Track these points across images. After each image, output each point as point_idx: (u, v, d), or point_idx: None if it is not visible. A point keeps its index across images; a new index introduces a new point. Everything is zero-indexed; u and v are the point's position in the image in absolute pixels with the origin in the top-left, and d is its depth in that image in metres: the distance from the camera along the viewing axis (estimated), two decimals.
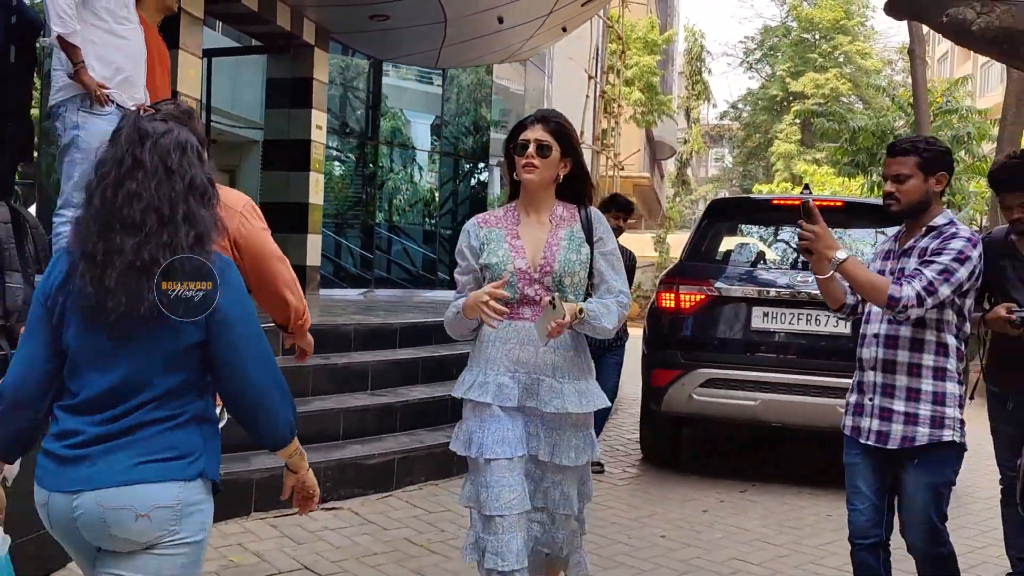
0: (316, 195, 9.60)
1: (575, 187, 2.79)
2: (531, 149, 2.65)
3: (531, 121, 2.73)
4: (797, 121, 26.65)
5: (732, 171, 41.73)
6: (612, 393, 5.67)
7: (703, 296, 5.45)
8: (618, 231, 5.39)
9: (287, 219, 8.84)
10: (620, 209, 5.81)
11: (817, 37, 32.76)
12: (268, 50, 9.86)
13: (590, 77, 17.59)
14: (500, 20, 9.58)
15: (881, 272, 2.91)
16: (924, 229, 2.89)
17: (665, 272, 6.30)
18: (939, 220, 2.88)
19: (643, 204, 29.85)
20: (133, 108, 3.22)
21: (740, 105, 35.76)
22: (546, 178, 2.70)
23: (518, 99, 15.46)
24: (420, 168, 13.52)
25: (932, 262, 2.73)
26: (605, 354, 5.37)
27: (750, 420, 5.50)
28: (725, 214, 6.47)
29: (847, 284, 2.83)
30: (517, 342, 2.67)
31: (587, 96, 17.45)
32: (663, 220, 27.88)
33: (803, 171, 22.55)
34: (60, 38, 3.93)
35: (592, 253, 2.74)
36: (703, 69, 24.52)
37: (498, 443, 2.61)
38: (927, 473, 2.82)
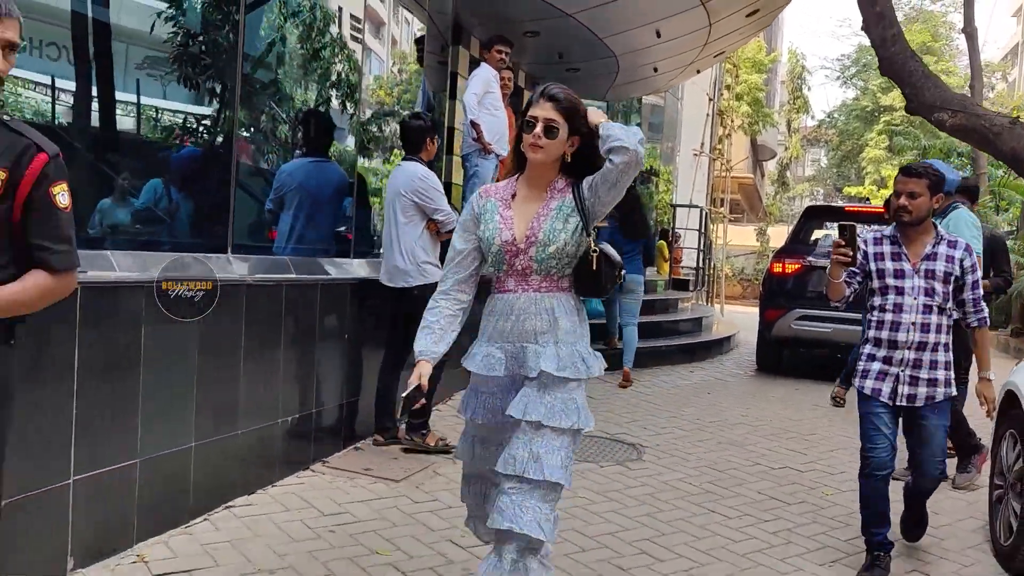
0: None
1: (582, 165, 2.65)
2: (538, 129, 2.56)
3: (540, 98, 2.60)
4: (884, 133, 29.71)
5: (827, 171, 44.32)
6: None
7: (799, 265, 9.11)
8: None
9: None
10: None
11: None
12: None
13: (710, 99, 21.07)
14: (658, 34, 12.88)
15: (899, 271, 3.64)
16: (935, 237, 3.67)
17: (776, 251, 10.07)
18: (940, 230, 3.71)
19: (746, 200, 33.13)
20: (503, 155, 7.11)
21: (836, 115, 38.53)
22: (553, 156, 2.61)
23: (659, 111, 19.06)
24: None
25: (976, 285, 3.66)
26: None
27: (825, 340, 9.12)
28: (815, 215, 10.25)
29: (845, 282, 3.71)
30: (502, 314, 2.68)
31: (707, 114, 20.94)
32: (764, 215, 31.13)
33: (888, 175, 25.51)
34: (472, 121, 7.83)
35: (585, 216, 2.61)
36: (803, 86, 27.66)
37: (485, 410, 2.74)
38: (941, 418, 3.65)
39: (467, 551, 3.66)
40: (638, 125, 17.71)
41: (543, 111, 2.56)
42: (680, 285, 14.01)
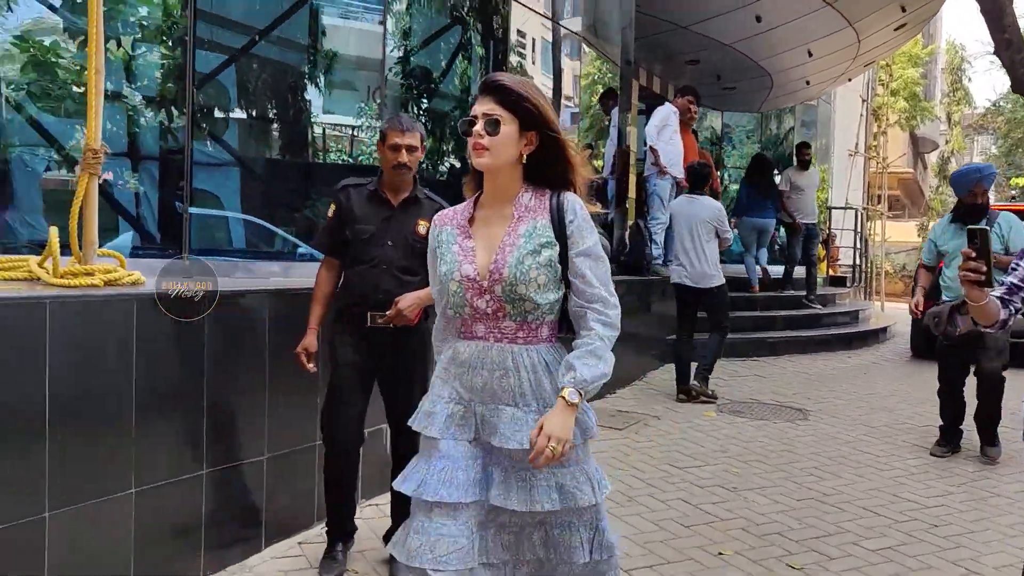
0: None
1: (550, 169, 2.14)
2: (478, 126, 2.07)
3: (480, 93, 2.12)
4: None
5: (997, 160, 42.83)
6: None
7: None
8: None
9: None
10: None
11: None
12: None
13: (863, 100, 21.65)
14: (810, 54, 13.90)
15: None
16: None
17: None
18: None
19: (907, 195, 32.93)
20: (679, 177, 8.62)
21: (1001, 103, 37.43)
22: (501, 160, 2.08)
23: (811, 110, 19.83)
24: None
25: None
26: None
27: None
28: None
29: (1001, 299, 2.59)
30: (471, 366, 2.14)
31: (860, 115, 21.53)
32: (925, 209, 30.93)
33: None
34: (650, 147, 9.34)
35: (564, 254, 2.09)
36: (963, 78, 27.53)
37: (443, 484, 2.07)
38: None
39: (683, 471, 5.18)
40: (791, 130, 18.66)
41: (482, 105, 2.08)
42: (837, 282, 14.93)
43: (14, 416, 2.62)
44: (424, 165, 7.00)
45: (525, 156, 2.13)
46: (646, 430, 6.20)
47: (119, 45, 5.17)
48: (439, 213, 2.28)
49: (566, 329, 2.22)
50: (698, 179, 7.44)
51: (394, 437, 3.62)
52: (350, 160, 7.64)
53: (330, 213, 3.52)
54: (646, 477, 5.04)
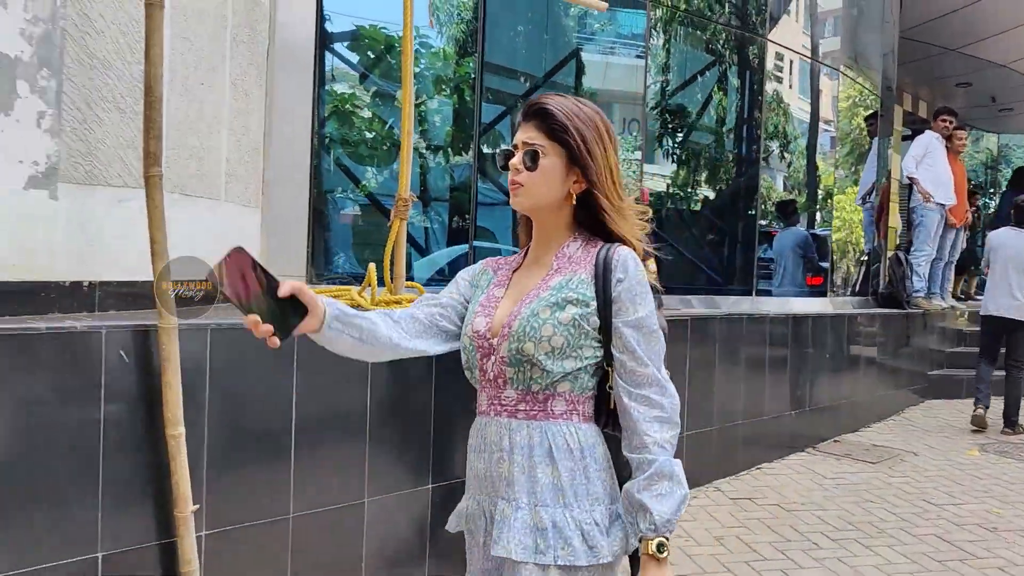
0: None
1: (603, 215, 1.71)
2: (515, 159, 1.70)
3: (521, 118, 1.75)
4: None
5: None
6: None
7: None
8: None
9: None
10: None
11: None
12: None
13: None
14: None
15: None
16: None
17: None
18: None
19: None
20: (948, 203, 8.28)
21: None
22: (539, 199, 1.71)
23: None
24: None
25: None
26: None
27: None
28: None
29: None
30: (475, 448, 1.77)
31: None
32: None
33: None
34: (910, 177, 9.05)
35: (606, 322, 1.65)
36: None
37: None
38: None
39: (939, 508, 5.11)
40: None
41: (523, 133, 1.72)
42: None
43: (346, 418, 3.26)
44: (678, 200, 7.36)
45: (575, 196, 1.72)
46: (902, 465, 6.12)
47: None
48: (492, 258, 1.93)
49: (612, 424, 1.73)
50: (1021, 212, 7.53)
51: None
52: None
53: None
54: (899, 511, 5.04)
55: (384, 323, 1.71)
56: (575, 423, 1.68)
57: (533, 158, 1.68)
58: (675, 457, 1.63)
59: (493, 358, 1.69)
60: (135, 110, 2.83)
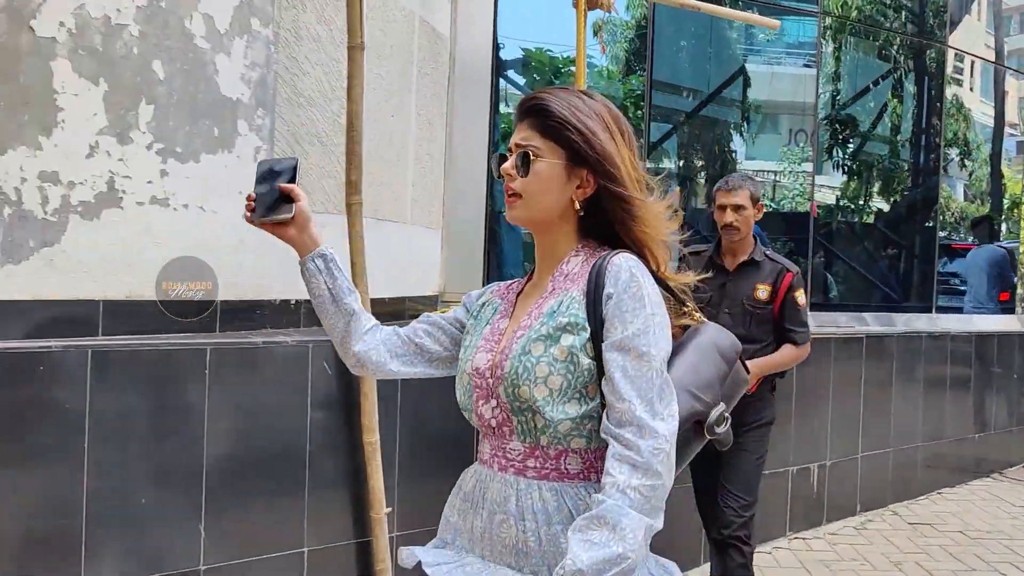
0: None
1: (617, 224, 1.47)
2: (508, 164, 1.48)
3: (515, 115, 1.53)
4: None
5: None
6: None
7: None
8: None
9: None
10: None
11: None
12: None
13: None
14: None
15: None
16: None
17: None
18: None
19: None
20: None
21: None
22: (537, 210, 1.47)
23: None
24: None
25: None
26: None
27: None
28: None
29: None
30: (471, 499, 1.53)
31: None
32: None
33: None
34: None
35: (592, 344, 1.39)
36: None
37: None
38: None
39: None
40: None
41: (517, 135, 1.50)
42: None
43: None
44: (849, 213, 7.14)
45: (580, 204, 1.46)
46: None
47: None
48: (500, 282, 1.69)
49: None
50: None
51: (722, 491, 3.29)
52: (773, 206, 7.97)
53: None
54: None
55: (366, 316, 1.64)
56: (594, 484, 1.40)
57: (524, 161, 1.45)
58: (657, 514, 1.29)
59: (493, 401, 1.46)
60: (335, 142, 3.10)
